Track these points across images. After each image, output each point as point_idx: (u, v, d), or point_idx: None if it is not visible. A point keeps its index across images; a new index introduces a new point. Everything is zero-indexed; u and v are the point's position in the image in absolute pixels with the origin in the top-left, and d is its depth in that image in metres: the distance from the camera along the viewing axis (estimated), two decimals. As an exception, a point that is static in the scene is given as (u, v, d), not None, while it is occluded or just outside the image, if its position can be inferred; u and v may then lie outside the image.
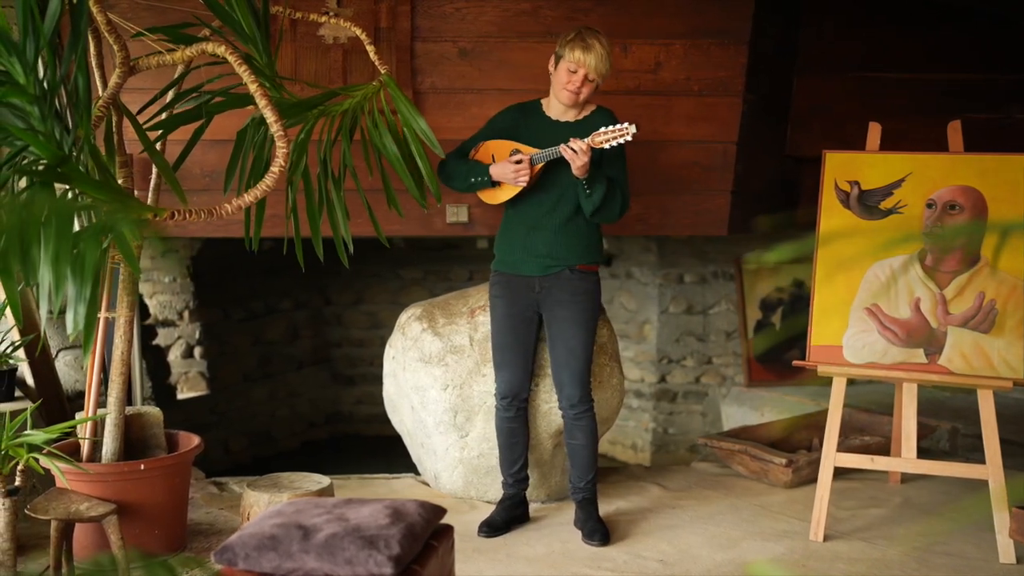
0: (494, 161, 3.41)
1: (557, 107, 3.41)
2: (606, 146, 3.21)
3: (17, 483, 2.86)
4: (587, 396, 3.42)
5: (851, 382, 4.90)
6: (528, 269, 3.42)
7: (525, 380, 3.49)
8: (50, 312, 2.37)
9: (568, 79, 3.29)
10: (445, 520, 3.33)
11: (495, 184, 3.40)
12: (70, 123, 2.58)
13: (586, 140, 3.20)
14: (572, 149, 3.18)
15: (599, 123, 3.32)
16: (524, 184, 3.33)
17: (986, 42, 4.74)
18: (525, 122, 3.44)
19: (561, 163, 3.29)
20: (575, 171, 3.21)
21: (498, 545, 3.36)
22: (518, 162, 3.31)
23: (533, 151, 3.33)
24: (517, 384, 3.46)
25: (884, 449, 4.06)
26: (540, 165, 3.32)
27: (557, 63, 3.33)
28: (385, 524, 2.17)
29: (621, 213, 3.38)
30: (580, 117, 3.40)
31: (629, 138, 3.19)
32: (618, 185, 3.34)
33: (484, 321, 3.69)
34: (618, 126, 3.19)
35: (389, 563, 2.06)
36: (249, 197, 2.73)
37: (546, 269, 3.40)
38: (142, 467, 3.10)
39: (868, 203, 3.53)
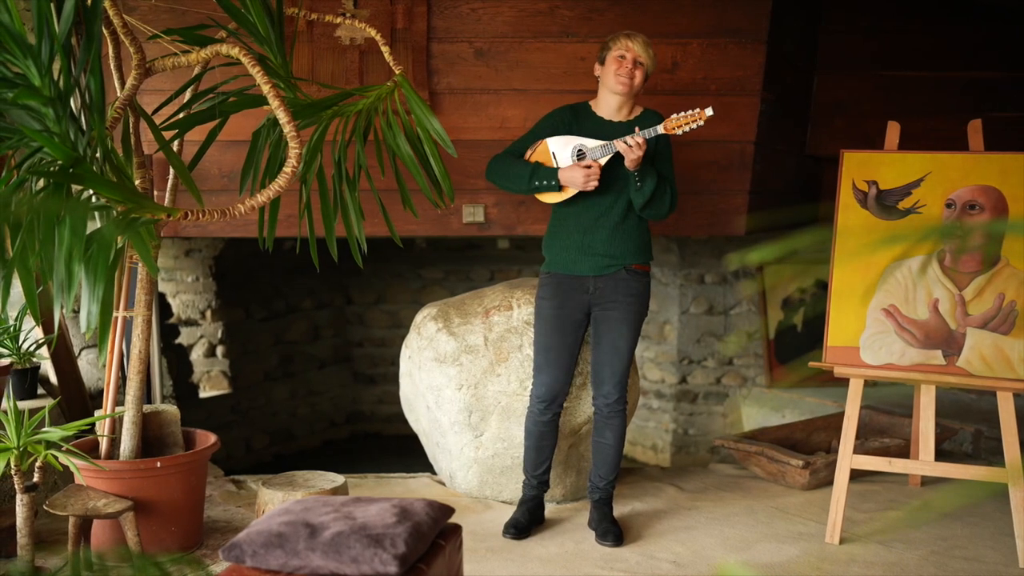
0: (555, 160, 3.37)
1: (607, 107, 3.41)
2: (679, 131, 3.21)
3: (35, 479, 2.90)
4: (623, 397, 3.42)
5: (873, 383, 4.89)
6: (584, 269, 3.41)
7: (566, 384, 3.46)
8: (67, 311, 2.41)
9: (619, 66, 3.31)
10: (461, 520, 3.35)
11: (560, 188, 3.36)
12: (86, 125, 2.61)
13: (658, 127, 3.21)
14: (627, 143, 3.19)
15: (647, 123, 3.33)
16: (595, 187, 3.30)
17: (1006, 40, 4.69)
18: (577, 123, 3.43)
19: (616, 162, 3.29)
20: (628, 164, 3.22)
21: (511, 545, 3.36)
22: (587, 167, 3.28)
23: (593, 143, 3.31)
24: (557, 388, 3.44)
25: (904, 451, 4.02)
26: (603, 162, 3.30)
27: (604, 62, 3.36)
28: (391, 523, 2.18)
29: (670, 209, 3.37)
30: (631, 117, 3.41)
31: (702, 123, 3.18)
32: (667, 181, 3.35)
33: (499, 321, 3.70)
34: (692, 111, 3.18)
35: (394, 562, 2.07)
36: (261, 197, 2.76)
37: (603, 269, 3.39)
38: (159, 464, 3.13)
39: (886, 203, 3.50)
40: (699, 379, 5.71)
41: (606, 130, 3.37)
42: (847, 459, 3.35)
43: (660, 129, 3.22)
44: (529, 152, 3.45)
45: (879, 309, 3.42)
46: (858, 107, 4.70)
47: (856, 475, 3.86)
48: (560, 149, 3.38)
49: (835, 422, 4.43)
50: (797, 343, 5.57)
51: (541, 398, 3.44)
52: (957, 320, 3.34)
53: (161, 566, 1.07)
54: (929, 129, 4.32)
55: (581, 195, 3.37)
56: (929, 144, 3.69)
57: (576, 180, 3.30)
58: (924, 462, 3.38)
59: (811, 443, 4.39)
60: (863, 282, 3.44)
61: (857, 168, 3.55)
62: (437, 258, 6.64)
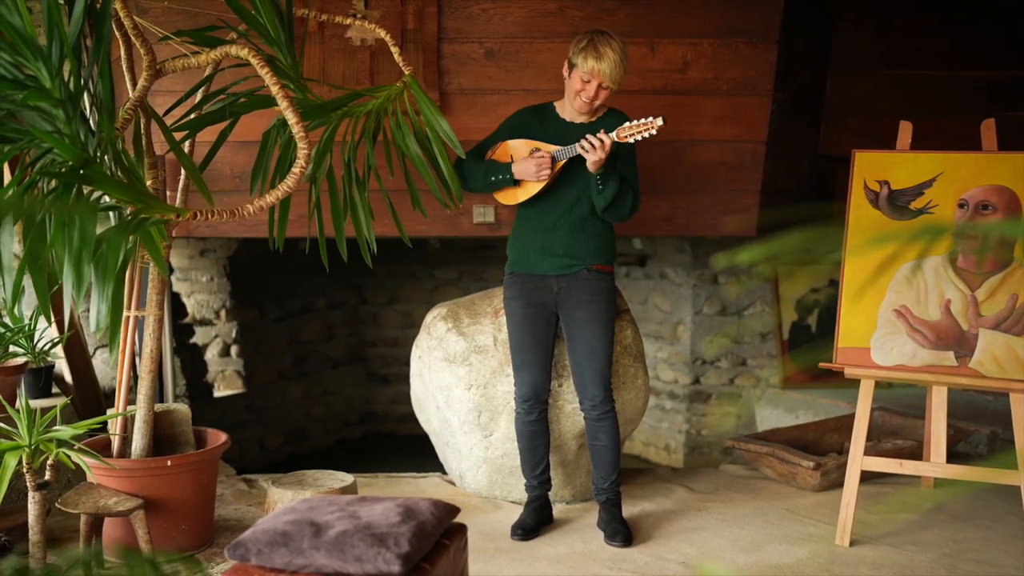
0: (513, 160, 3.40)
1: (571, 109, 3.41)
2: (631, 140, 3.20)
3: (47, 477, 2.93)
4: (609, 396, 3.41)
5: (889, 384, 4.85)
6: (545, 268, 3.42)
7: (546, 381, 3.48)
8: (77, 310, 2.43)
9: (582, 87, 3.28)
10: (470, 519, 3.35)
11: (516, 183, 3.39)
12: (96, 126, 2.64)
13: (611, 134, 3.19)
14: (591, 144, 3.17)
15: (612, 125, 3.31)
16: (546, 179, 3.32)
17: (1021, 39, 4.65)
18: (540, 124, 3.44)
19: (578, 163, 3.30)
20: (590, 166, 3.21)
21: (520, 545, 3.36)
22: (540, 157, 3.31)
23: (554, 148, 3.33)
24: (538, 385, 3.45)
25: (917, 453, 3.99)
26: (560, 163, 3.31)
27: (571, 70, 3.32)
28: (396, 522, 2.19)
29: (631, 212, 3.37)
30: (594, 119, 3.40)
31: (655, 132, 3.17)
32: (630, 184, 3.34)
33: (508, 321, 3.70)
34: (644, 120, 3.18)
35: (397, 561, 2.08)
36: (270, 198, 2.77)
37: (564, 269, 3.40)
38: (169, 463, 3.15)
39: (898, 203, 3.48)
40: (712, 380, 5.70)
41: (568, 132, 3.36)
42: (857, 460, 3.33)
43: (613, 136, 3.20)
44: (490, 153, 3.49)
45: (890, 310, 3.39)
46: (872, 106, 4.68)
47: (867, 477, 3.83)
48: (519, 151, 3.41)
49: (848, 423, 4.39)
50: (812, 344, 5.54)
51: (524, 397, 3.45)
52: (969, 321, 3.32)
53: (154, 565, 1.07)
54: (944, 129, 4.29)
55: (541, 197, 3.38)
56: (944, 144, 3.66)
57: (529, 171, 3.32)
58: (935, 464, 3.36)
59: (823, 444, 4.37)
60: (874, 283, 3.42)
61: (869, 168, 3.53)
62: (451, 258, 6.65)
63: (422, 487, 3.97)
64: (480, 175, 3.44)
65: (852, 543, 3.32)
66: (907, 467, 3.39)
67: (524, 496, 3.63)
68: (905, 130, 3.56)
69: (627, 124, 3.21)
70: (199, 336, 5.65)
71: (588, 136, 3.19)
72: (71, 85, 2.49)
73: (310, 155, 2.80)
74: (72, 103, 2.48)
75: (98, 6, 2.53)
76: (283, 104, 2.79)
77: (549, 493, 3.58)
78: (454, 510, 2.39)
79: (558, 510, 3.66)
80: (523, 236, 3.48)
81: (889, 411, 4.55)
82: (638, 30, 3.82)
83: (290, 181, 2.77)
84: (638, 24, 3.88)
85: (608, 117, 3.39)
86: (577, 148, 3.21)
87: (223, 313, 5.70)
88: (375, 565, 2.08)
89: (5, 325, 3.81)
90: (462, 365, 3.68)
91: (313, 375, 6.29)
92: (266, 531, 2.16)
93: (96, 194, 2.53)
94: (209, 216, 2.73)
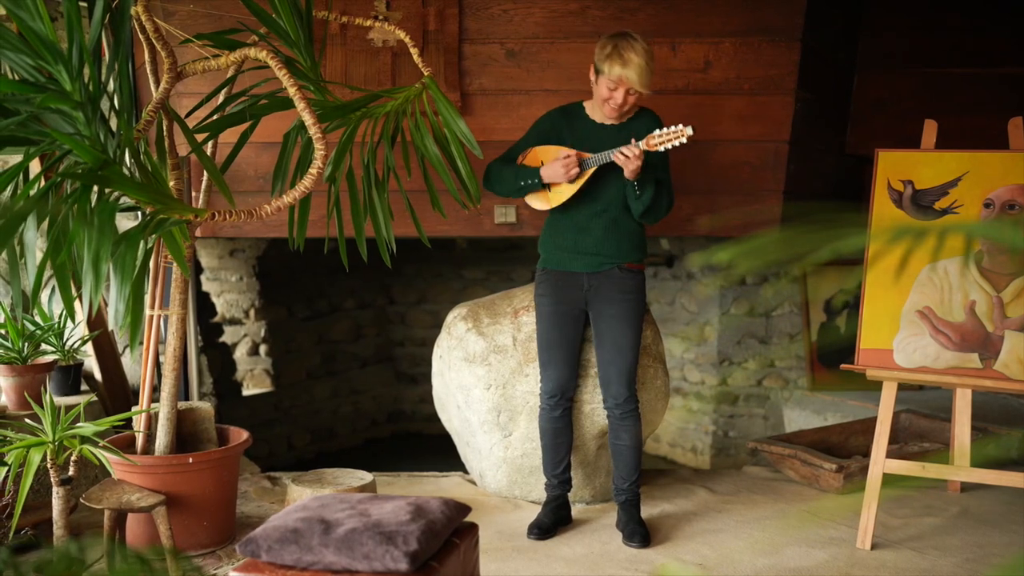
0: (543, 166, 3.39)
1: (599, 111, 3.39)
2: (661, 149, 3.18)
3: (70, 473, 2.98)
4: (633, 396, 3.41)
5: (919, 387, 4.78)
6: (577, 266, 3.42)
7: (572, 378, 3.48)
8: (94, 309, 2.48)
9: (609, 95, 3.26)
10: (489, 519, 3.36)
11: (544, 186, 3.38)
12: (116, 128, 2.69)
13: (640, 143, 3.18)
14: (624, 155, 3.16)
15: (643, 125, 3.30)
16: (574, 177, 3.30)
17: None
18: (569, 126, 3.42)
19: (609, 168, 3.28)
20: (627, 174, 3.20)
21: (538, 545, 3.36)
22: (566, 156, 3.29)
23: (585, 156, 3.31)
24: (564, 382, 3.46)
25: (943, 457, 3.93)
26: (590, 171, 3.30)
27: (597, 76, 3.28)
28: (405, 520, 2.20)
29: (666, 213, 3.38)
30: (623, 119, 3.38)
31: (684, 140, 3.15)
32: (664, 186, 3.33)
33: (527, 321, 3.71)
34: (673, 128, 3.16)
35: (405, 559, 2.09)
36: (287, 199, 2.81)
37: (595, 267, 3.39)
38: (190, 460, 3.19)
39: (922, 203, 3.43)
40: (739, 381, 5.65)
41: (599, 134, 3.35)
42: (879, 463, 3.30)
43: (642, 145, 3.18)
44: (520, 159, 3.47)
45: (913, 311, 3.35)
46: (901, 105, 4.62)
47: (892, 480, 3.79)
48: (550, 157, 3.38)
49: (873, 425, 4.34)
50: (840, 344, 5.48)
51: (550, 393, 3.46)
52: (994, 323, 3.27)
53: (147, 562, 1.09)
54: (975, 127, 4.22)
55: (573, 201, 3.36)
56: (975, 143, 3.61)
57: (557, 174, 3.31)
58: (959, 467, 3.31)
59: (848, 446, 4.32)
60: (897, 284, 3.38)
61: (893, 167, 3.49)
62: (478, 259, 6.67)
63: (443, 486, 3.99)
64: (509, 180, 3.41)
65: (873, 547, 3.29)
66: (929, 470, 3.34)
67: (544, 496, 3.63)
68: (930, 129, 3.52)
69: (656, 132, 3.18)
70: (228, 335, 5.72)
71: (622, 149, 3.17)
72: (91, 88, 2.54)
73: (327, 156, 2.83)
74: (92, 105, 2.53)
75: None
76: (300, 105, 2.82)
77: (568, 494, 3.58)
78: (465, 509, 2.40)
79: (577, 511, 3.66)
80: (555, 236, 3.46)
81: (916, 414, 4.49)
82: (660, 30, 3.81)
83: (307, 182, 2.80)
84: (660, 24, 3.86)
85: (639, 118, 3.36)
86: (616, 158, 3.19)
87: (252, 312, 5.77)
88: (383, 563, 2.10)
89: (35, 323, 3.88)
90: (482, 365, 3.70)
91: (341, 374, 6.34)
92: (277, 528, 2.19)
93: (116, 195, 2.58)
94: (228, 216, 2.77)
